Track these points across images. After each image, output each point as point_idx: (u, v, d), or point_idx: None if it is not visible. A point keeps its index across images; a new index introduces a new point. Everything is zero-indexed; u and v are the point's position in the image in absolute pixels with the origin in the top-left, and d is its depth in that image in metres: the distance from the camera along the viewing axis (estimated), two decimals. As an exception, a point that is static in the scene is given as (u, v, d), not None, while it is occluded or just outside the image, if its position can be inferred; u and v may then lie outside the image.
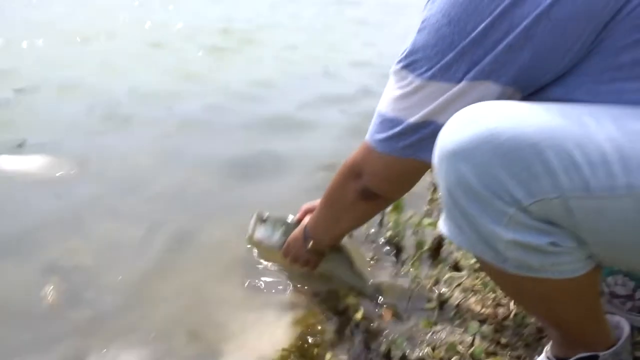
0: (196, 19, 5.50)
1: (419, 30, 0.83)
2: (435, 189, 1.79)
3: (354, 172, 1.04)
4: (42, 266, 1.31)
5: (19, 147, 1.99)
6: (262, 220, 1.36)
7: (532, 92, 0.80)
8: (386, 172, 0.97)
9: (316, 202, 1.26)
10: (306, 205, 1.33)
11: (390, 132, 0.90)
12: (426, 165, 0.88)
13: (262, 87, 3.11)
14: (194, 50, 4.02)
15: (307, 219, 1.27)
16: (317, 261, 1.27)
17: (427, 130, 0.85)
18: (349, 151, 1.05)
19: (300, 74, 3.48)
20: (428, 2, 0.84)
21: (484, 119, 0.71)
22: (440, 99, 0.82)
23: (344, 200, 1.09)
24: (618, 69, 0.73)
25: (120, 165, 1.90)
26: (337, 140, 2.27)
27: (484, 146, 0.69)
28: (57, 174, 1.80)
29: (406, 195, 1.71)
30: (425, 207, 1.72)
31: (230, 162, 1.99)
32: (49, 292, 1.21)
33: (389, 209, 1.54)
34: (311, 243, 1.22)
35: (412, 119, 0.85)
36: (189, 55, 3.88)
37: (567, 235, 0.71)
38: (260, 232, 1.35)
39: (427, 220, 1.54)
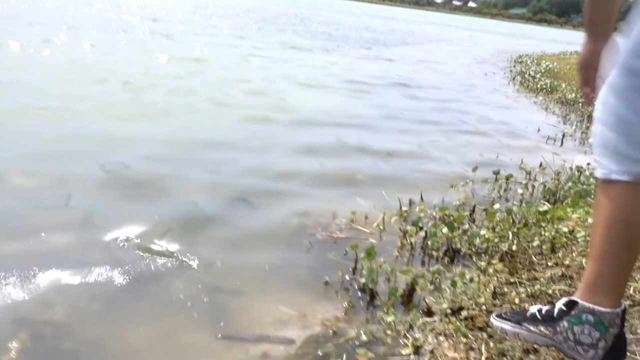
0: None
1: None
2: (405, 235, 1.84)
3: None
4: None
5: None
6: None
7: None
8: None
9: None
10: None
11: None
12: None
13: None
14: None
15: None
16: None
17: None
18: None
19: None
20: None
21: None
22: None
23: None
24: None
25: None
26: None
27: None
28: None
29: (377, 242, 1.76)
30: (396, 254, 1.77)
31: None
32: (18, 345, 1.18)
33: (361, 255, 1.58)
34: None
35: None
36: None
37: None
38: None
39: (399, 267, 1.58)
